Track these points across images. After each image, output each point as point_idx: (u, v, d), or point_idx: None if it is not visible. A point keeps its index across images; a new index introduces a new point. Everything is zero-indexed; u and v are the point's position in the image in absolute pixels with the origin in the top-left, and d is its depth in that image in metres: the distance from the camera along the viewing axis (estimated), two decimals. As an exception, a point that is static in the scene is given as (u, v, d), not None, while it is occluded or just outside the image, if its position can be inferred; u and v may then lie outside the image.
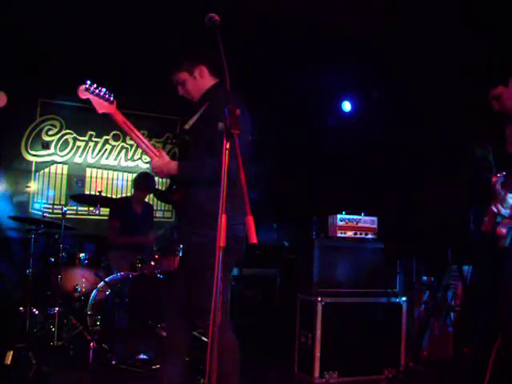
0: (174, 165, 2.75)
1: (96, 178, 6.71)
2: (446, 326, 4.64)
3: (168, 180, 2.94)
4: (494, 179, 2.96)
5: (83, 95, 2.67)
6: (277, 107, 6.76)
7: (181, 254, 4.46)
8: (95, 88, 2.66)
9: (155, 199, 6.25)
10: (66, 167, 6.57)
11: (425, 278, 4.91)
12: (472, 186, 4.61)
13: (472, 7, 4.26)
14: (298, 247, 5.81)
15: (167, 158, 2.79)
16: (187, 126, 2.89)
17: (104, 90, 2.68)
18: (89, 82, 2.66)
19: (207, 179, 2.68)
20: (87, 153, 6.69)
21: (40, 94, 6.37)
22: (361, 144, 6.30)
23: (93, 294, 4.52)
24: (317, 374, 4.00)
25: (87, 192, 6.54)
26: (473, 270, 4.59)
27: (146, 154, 2.81)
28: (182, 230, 2.87)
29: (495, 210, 2.95)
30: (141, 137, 2.79)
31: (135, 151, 6.95)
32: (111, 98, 2.69)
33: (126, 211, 5.26)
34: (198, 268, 2.68)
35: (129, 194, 6.51)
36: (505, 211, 2.97)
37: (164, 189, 2.93)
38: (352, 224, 4.38)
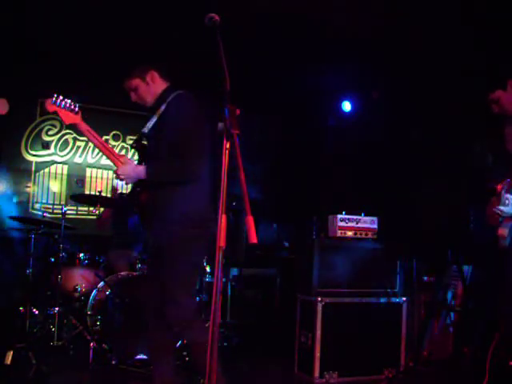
0: (141, 169, 2.84)
1: (96, 178, 6.71)
2: (446, 326, 4.64)
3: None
4: (499, 187, 2.98)
5: (51, 108, 2.80)
6: (277, 107, 6.76)
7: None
8: (61, 100, 2.79)
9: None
10: (66, 167, 6.57)
11: (425, 278, 4.91)
12: (472, 186, 4.61)
13: (472, 7, 4.26)
14: (297, 247, 5.82)
15: (133, 164, 2.85)
16: (146, 130, 2.95)
17: (69, 101, 2.82)
18: (55, 95, 2.79)
19: (176, 180, 2.81)
20: (87, 153, 6.69)
21: (40, 94, 6.37)
22: (361, 144, 6.29)
23: (93, 294, 4.52)
24: (317, 374, 4.00)
25: (87, 192, 6.54)
26: (473, 270, 4.59)
27: (111, 160, 2.89)
28: (153, 229, 2.91)
29: (498, 211, 2.97)
30: (105, 144, 2.92)
31: (135, 151, 6.95)
32: (76, 109, 2.81)
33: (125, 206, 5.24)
34: (174, 266, 2.77)
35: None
36: (507, 209, 2.97)
37: (127, 192, 3.02)
38: (352, 224, 4.37)
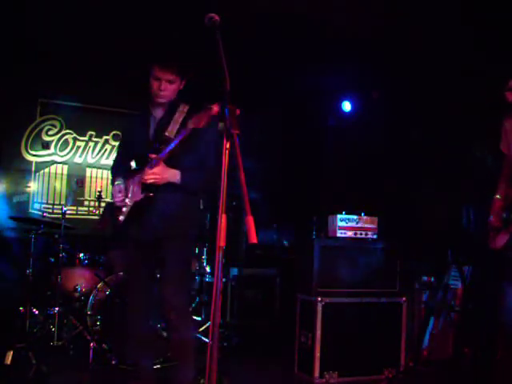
0: (175, 173, 2.84)
1: (96, 178, 6.71)
2: (446, 326, 4.64)
3: None
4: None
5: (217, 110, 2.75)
6: (277, 107, 6.76)
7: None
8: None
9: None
10: (66, 167, 6.57)
11: (425, 278, 4.91)
12: (472, 186, 4.61)
13: (472, 7, 4.26)
14: (297, 247, 5.81)
15: (165, 166, 2.84)
16: (171, 135, 2.90)
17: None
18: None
19: (206, 190, 2.94)
20: (87, 153, 6.69)
21: (40, 94, 6.36)
22: (361, 144, 6.30)
23: (93, 294, 4.52)
24: (317, 374, 4.00)
25: (87, 191, 6.55)
26: (473, 270, 4.59)
27: None
28: (147, 223, 2.92)
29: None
30: None
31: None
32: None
33: None
34: (178, 266, 2.87)
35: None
36: None
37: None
38: (352, 224, 4.37)
